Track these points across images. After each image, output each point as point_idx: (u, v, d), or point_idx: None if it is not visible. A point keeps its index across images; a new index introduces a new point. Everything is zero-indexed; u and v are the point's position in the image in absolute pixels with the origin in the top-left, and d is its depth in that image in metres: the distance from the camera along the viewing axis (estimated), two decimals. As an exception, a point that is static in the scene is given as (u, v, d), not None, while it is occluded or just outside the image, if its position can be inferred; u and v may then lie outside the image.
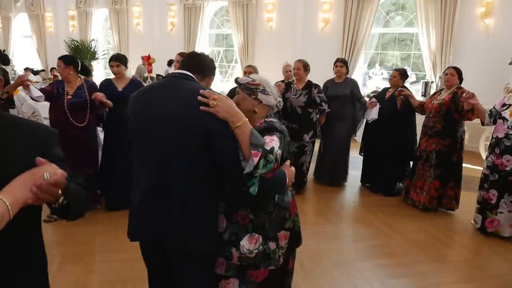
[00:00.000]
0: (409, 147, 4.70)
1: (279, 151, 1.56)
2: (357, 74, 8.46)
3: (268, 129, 1.66)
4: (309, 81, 4.63)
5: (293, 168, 1.75)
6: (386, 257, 3.38)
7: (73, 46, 7.55)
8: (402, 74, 4.76)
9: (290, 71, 4.91)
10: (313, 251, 3.36)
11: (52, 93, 3.72)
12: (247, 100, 1.74)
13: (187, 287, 1.73)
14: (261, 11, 9.06)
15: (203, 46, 10.25)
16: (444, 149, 4.08)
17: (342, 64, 4.99)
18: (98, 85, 4.06)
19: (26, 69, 10.86)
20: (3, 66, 4.54)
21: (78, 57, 7.55)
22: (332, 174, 5.10)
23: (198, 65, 1.73)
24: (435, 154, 4.12)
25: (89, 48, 7.40)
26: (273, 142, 1.55)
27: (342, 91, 4.93)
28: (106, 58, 12.21)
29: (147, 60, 6.09)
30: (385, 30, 8.71)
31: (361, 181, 5.13)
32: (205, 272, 1.73)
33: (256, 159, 1.43)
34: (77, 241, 3.39)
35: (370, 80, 8.89)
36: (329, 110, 4.65)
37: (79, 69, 3.82)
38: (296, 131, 4.52)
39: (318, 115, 4.72)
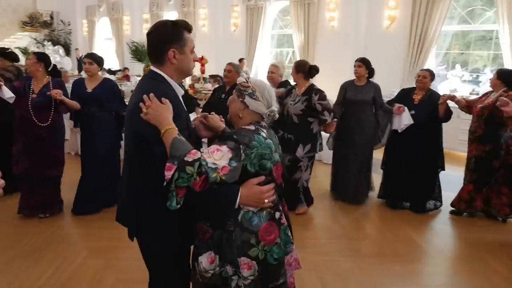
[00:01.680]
0: (442, 157, 4.25)
1: (230, 164, 1.39)
2: (425, 76, 7.75)
3: (225, 137, 1.50)
4: (310, 86, 3.93)
5: (261, 188, 1.51)
6: (420, 286, 2.97)
7: (133, 48, 7.97)
8: (432, 75, 4.22)
9: (273, 72, 4.29)
10: (340, 269, 3.08)
11: (20, 89, 3.61)
12: (235, 102, 1.65)
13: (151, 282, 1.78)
14: (323, 10, 8.74)
15: (265, 46, 10.20)
16: (483, 155, 3.85)
17: (361, 63, 4.31)
18: (72, 84, 3.97)
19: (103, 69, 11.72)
20: (16, 64, 4.55)
21: (137, 57, 7.98)
22: (356, 190, 4.50)
23: (150, 50, 1.59)
24: (474, 159, 3.94)
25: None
26: (215, 153, 1.39)
27: (363, 96, 4.31)
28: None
29: (201, 61, 6.16)
30: (460, 27, 7.87)
31: (380, 196, 4.55)
32: (165, 272, 1.69)
33: (168, 173, 1.30)
34: (103, 236, 3.50)
35: (445, 82, 8.05)
36: (335, 120, 3.94)
37: (49, 69, 3.71)
38: (292, 142, 3.90)
39: (320, 126, 4.01)
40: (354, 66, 4.32)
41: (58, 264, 3.05)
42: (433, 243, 3.65)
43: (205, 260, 1.55)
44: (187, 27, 1.59)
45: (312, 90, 3.87)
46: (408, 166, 4.19)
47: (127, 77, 10.49)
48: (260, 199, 1.50)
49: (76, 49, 14.83)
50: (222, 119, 1.80)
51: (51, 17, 16.97)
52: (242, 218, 1.52)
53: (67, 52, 15.96)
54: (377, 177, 4.65)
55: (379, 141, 4.43)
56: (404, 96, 4.37)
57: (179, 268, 1.70)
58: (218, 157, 1.38)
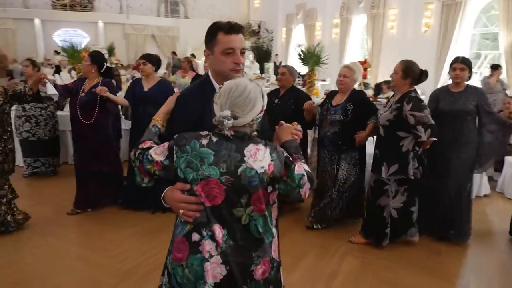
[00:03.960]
0: None
1: (163, 162, 1.39)
2: None
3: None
4: (408, 92, 3.08)
5: (179, 195, 1.39)
6: None
7: (300, 52, 7.97)
8: None
9: (345, 75, 3.44)
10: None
11: (73, 89, 3.81)
12: None
13: None
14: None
15: (460, 48, 8.67)
16: None
17: (464, 65, 3.22)
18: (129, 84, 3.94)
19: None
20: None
21: (303, 62, 7.94)
22: (451, 225, 3.38)
23: None
24: None
25: (314, 53, 7.61)
26: (159, 148, 1.43)
27: (463, 105, 3.23)
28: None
29: (363, 65, 5.73)
30: None
31: None
32: None
33: (131, 153, 1.49)
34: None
35: None
36: (434, 139, 2.95)
37: (102, 70, 3.83)
38: (377, 159, 3.24)
39: (414, 144, 3.06)
40: (454, 69, 3.29)
41: (166, 245, 3.33)
42: None
43: None
44: (224, 28, 1.53)
45: (406, 97, 3.04)
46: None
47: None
48: (175, 206, 1.40)
49: (276, 54, 16.18)
50: (298, 131, 1.58)
51: (259, 26, 19.09)
52: (177, 220, 1.48)
53: (268, 58, 17.63)
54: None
55: (479, 166, 3.30)
56: None
57: None
58: (159, 151, 1.41)
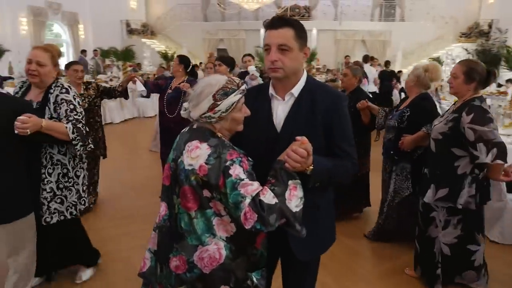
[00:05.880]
0: None
1: None
2: None
3: None
4: (471, 100, 2.46)
5: None
6: None
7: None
8: None
9: (409, 75, 3.24)
10: None
11: (162, 86, 4.19)
12: None
13: None
14: None
15: None
16: None
17: None
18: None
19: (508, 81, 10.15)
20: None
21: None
22: None
23: None
24: None
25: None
26: None
27: None
28: None
29: None
30: None
31: None
32: None
33: None
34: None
35: None
36: (498, 161, 2.23)
37: (188, 70, 4.15)
38: (426, 180, 2.66)
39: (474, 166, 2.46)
40: None
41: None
42: None
43: None
44: (266, 24, 1.50)
45: (466, 105, 2.45)
46: None
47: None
48: None
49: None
50: (292, 153, 1.28)
51: (489, 26, 16.15)
52: None
53: (497, 63, 14.55)
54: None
55: None
56: None
57: None
58: None
